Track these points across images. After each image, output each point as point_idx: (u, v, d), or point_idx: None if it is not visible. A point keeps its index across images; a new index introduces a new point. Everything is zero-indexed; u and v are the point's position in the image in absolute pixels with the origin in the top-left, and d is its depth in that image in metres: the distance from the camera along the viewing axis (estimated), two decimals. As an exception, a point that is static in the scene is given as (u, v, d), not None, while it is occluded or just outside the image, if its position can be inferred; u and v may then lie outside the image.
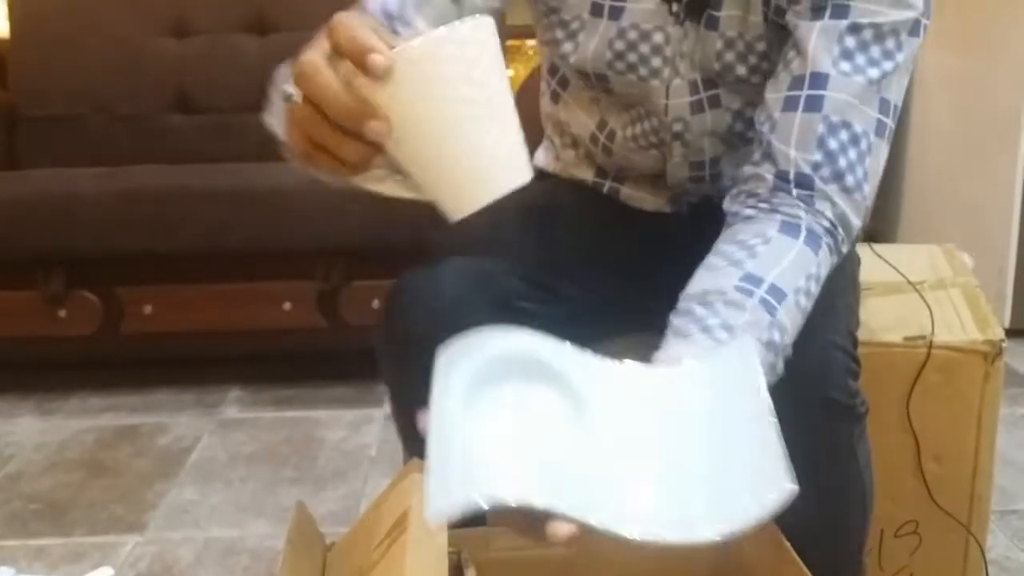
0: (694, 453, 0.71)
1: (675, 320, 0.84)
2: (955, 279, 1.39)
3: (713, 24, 1.01)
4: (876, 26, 0.93)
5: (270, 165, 2.24)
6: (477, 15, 0.64)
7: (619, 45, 1.04)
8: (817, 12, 0.94)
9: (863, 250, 1.33)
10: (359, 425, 2.06)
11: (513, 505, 0.63)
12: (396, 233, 1.96)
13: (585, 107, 1.16)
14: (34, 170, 2.34)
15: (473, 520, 0.98)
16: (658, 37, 1.03)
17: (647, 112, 1.09)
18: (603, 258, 1.12)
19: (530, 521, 0.65)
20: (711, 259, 0.89)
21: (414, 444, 1.10)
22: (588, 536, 0.64)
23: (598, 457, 0.70)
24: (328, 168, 0.67)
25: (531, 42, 2.39)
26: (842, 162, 0.93)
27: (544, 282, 1.06)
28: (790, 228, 0.91)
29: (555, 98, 1.19)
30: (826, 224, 0.93)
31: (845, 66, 0.93)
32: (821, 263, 0.91)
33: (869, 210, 1.04)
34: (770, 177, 0.95)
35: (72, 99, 2.54)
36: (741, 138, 1.08)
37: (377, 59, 0.61)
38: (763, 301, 0.83)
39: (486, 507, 0.62)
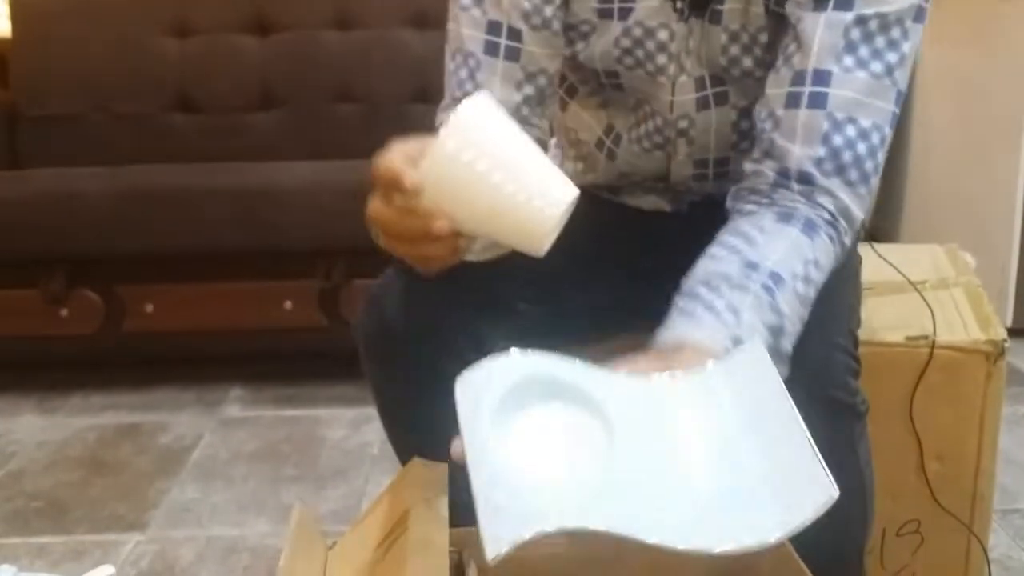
0: (728, 463, 0.72)
1: (680, 302, 0.85)
2: (957, 279, 1.39)
3: (716, 18, 1.01)
4: (882, 16, 0.92)
5: (271, 164, 2.25)
6: (474, 95, 0.76)
7: (625, 42, 1.04)
8: (820, 3, 0.93)
9: (865, 250, 1.33)
10: (360, 424, 2.06)
11: (567, 531, 0.66)
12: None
13: (592, 113, 1.17)
14: (35, 169, 2.34)
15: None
16: (663, 34, 1.03)
17: (652, 111, 1.09)
18: (602, 258, 1.12)
19: None
20: (712, 249, 0.91)
21: (398, 437, 1.11)
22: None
23: (635, 473, 0.71)
24: (439, 266, 0.82)
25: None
26: (847, 156, 0.93)
27: (543, 283, 1.06)
28: (786, 217, 0.92)
29: (562, 106, 1.20)
30: (826, 216, 0.93)
31: (849, 61, 0.93)
32: (819, 249, 0.91)
33: (871, 206, 1.04)
34: (771, 173, 0.95)
35: (74, 98, 2.54)
36: (746, 135, 1.08)
37: (406, 182, 0.73)
38: (764, 286, 0.85)
39: (541, 537, 0.65)
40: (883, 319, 1.26)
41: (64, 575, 1.15)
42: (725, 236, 0.92)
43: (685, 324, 0.83)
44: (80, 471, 1.91)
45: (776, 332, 0.83)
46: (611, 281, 1.11)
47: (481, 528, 0.65)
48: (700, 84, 1.06)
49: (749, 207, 0.95)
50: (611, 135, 1.15)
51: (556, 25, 1.03)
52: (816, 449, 0.69)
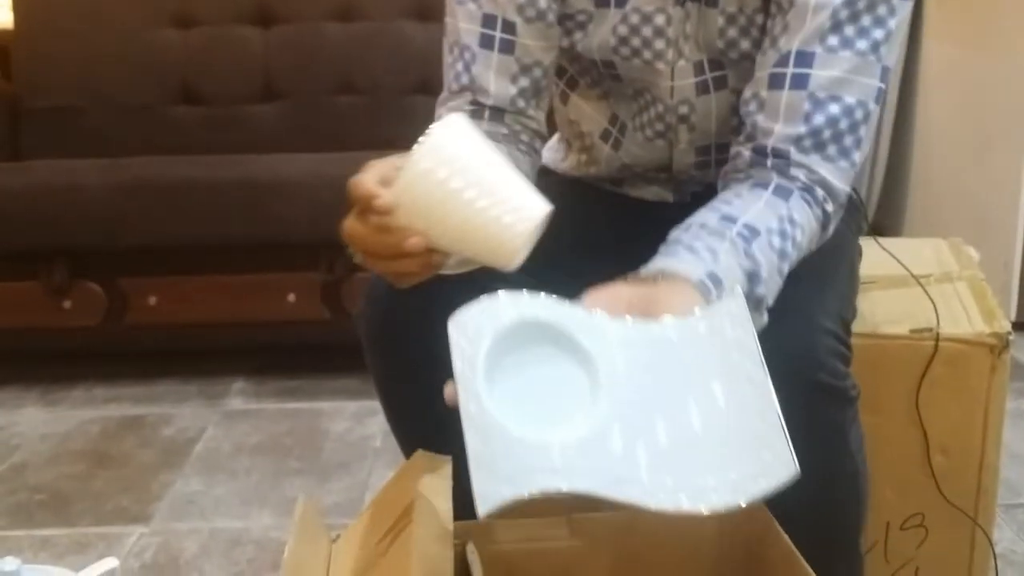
0: (705, 419, 0.74)
1: (661, 248, 0.88)
2: (961, 272, 1.38)
3: (713, 1, 1.02)
4: None
5: (273, 156, 2.25)
6: (448, 116, 0.79)
7: (622, 30, 1.04)
8: None
9: (868, 244, 1.33)
10: (363, 416, 2.06)
11: (552, 494, 0.69)
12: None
13: (594, 104, 1.17)
14: (38, 161, 2.33)
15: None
16: (660, 19, 1.03)
17: (653, 98, 1.10)
18: (604, 249, 1.12)
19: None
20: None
21: (401, 429, 1.11)
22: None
23: (617, 426, 0.73)
24: (414, 281, 0.84)
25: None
26: (827, 134, 0.95)
27: (544, 273, 1.06)
28: (758, 185, 0.96)
29: (563, 99, 1.21)
30: (799, 184, 0.95)
31: (834, 40, 0.94)
32: (794, 209, 0.93)
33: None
34: (748, 153, 0.98)
35: (76, 90, 2.54)
36: None
37: (379, 202, 0.76)
38: (739, 235, 0.88)
39: (532, 497, 0.68)
40: (887, 312, 1.26)
41: (68, 568, 1.15)
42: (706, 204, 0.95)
43: (664, 260, 0.86)
44: (83, 464, 1.91)
45: (752, 278, 0.86)
46: (614, 272, 1.11)
47: (473, 482, 0.67)
48: (699, 68, 1.06)
49: (729, 185, 0.99)
50: (616, 125, 1.16)
51: (551, 17, 1.04)
52: (784, 425, 0.72)
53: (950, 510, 1.25)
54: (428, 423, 1.03)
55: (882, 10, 0.94)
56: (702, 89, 1.07)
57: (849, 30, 0.94)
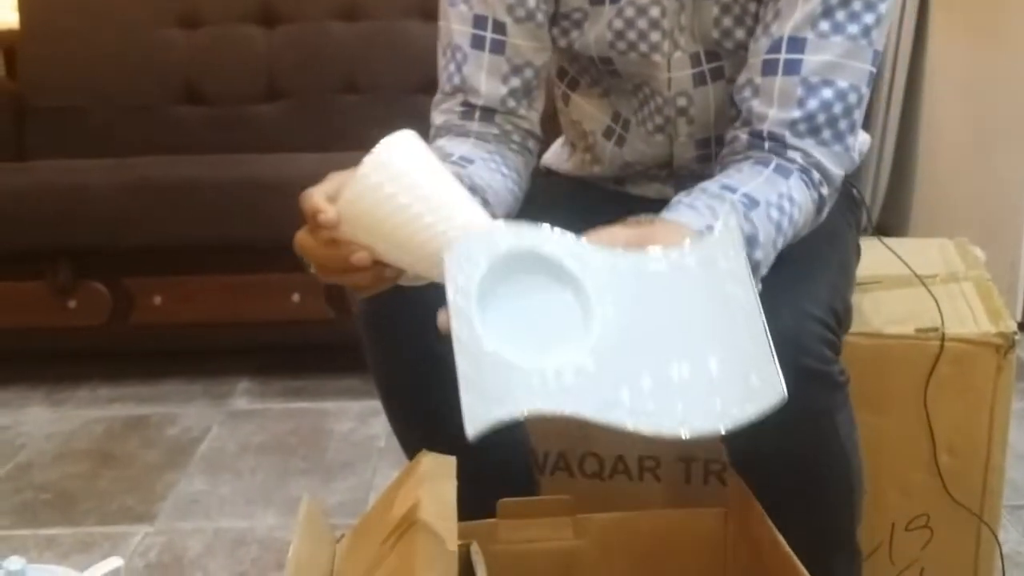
0: (694, 348, 0.75)
1: (664, 210, 0.90)
2: (967, 272, 1.38)
3: None
4: None
5: (278, 156, 2.25)
6: (398, 131, 0.79)
7: (618, 24, 1.05)
8: None
9: (873, 244, 1.33)
10: (368, 416, 2.06)
11: (541, 414, 0.69)
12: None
13: (596, 103, 1.17)
14: (43, 161, 2.34)
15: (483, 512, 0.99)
16: (655, 11, 1.04)
17: (652, 91, 1.10)
18: None
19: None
20: None
21: (402, 428, 1.11)
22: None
23: (607, 354, 0.74)
24: (370, 293, 0.86)
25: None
26: (821, 118, 0.96)
27: None
28: (759, 163, 0.97)
29: (565, 100, 1.21)
30: (797, 165, 0.96)
31: (825, 26, 0.95)
32: (793, 188, 0.95)
33: (854, 159, 1.07)
34: (745, 137, 0.99)
35: (80, 90, 2.54)
36: None
37: (323, 217, 0.78)
38: (739, 201, 0.89)
39: (519, 418, 0.69)
40: (892, 312, 1.26)
41: (72, 567, 1.15)
42: None
43: (665, 214, 0.88)
44: (88, 463, 1.92)
45: (750, 241, 0.87)
46: None
47: (463, 405, 0.68)
48: (695, 60, 1.07)
49: (727, 167, 0.99)
50: (619, 121, 1.16)
51: (540, 17, 1.05)
52: (773, 349, 0.73)
53: (955, 511, 1.25)
54: (428, 419, 1.03)
55: None
56: (699, 80, 1.08)
57: (840, 15, 0.95)
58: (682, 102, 1.09)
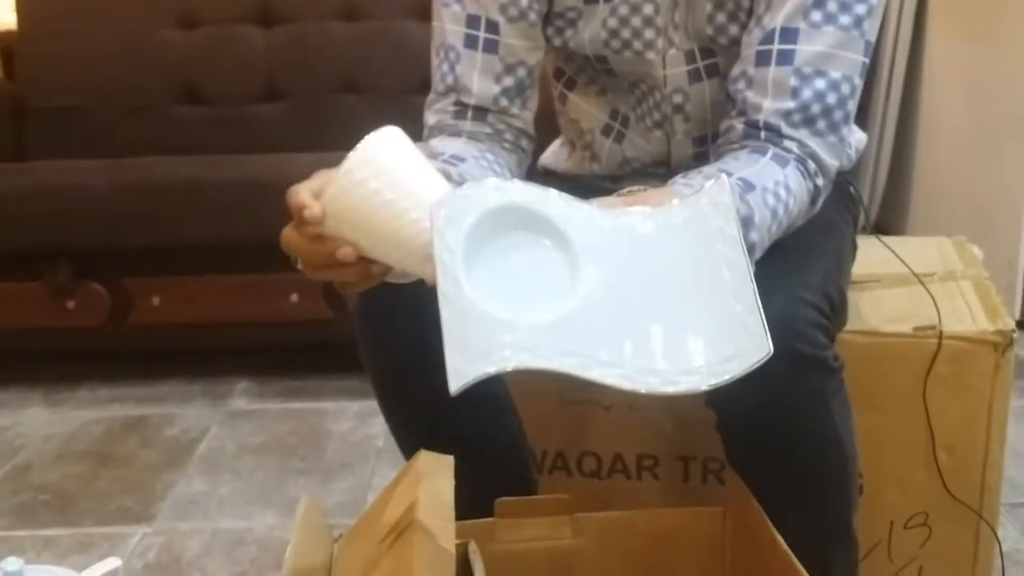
0: (679, 305, 0.75)
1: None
2: (965, 271, 1.38)
3: None
4: None
5: (276, 156, 2.25)
6: (383, 127, 0.80)
7: (612, 22, 1.06)
8: None
9: (872, 242, 1.33)
10: (366, 417, 2.06)
11: (531, 369, 0.69)
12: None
13: (593, 101, 1.17)
14: (41, 161, 2.34)
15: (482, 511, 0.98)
16: (648, 8, 1.04)
17: (649, 88, 1.11)
18: None
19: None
20: None
21: (398, 427, 1.11)
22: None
23: (592, 311, 0.74)
24: (357, 289, 0.87)
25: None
26: (816, 108, 0.97)
27: None
28: (756, 151, 0.97)
29: (563, 100, 1.22)
30: (794, 155, 0.97)
31: (817, 16, 0.96)
32: (789, 177, 0.95)
33: (851, 156, 1.06)
34: (741, 127, 0.99)
35: (79, 90, 2.54)
36: None
37: (308, 212, 0.78)
38: (736, 183, 0.89)
39: (502, 372, 0.69)
40: (890, 311, 1.26)
41: (71, 568, 1.15)
42: None
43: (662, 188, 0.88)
44: (87, 464, 1.91)
45: (746, 222, 0.87)
46: None
47: (447, 360, 0.69)
48: (690, 57, 1.07)
49: (723, 156, 1.00)
50: (618, 118, 1.17)
51: (532, 16, 1.06)
52: (760, 307, 0.73)
53: (954, 509, 1.25)
54: (424, 418, 1.03)
55: None
56: (695, 77, 1.08)
57: (832, 5, 0.96)
58: (678, 99, 1.10)
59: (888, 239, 1.37)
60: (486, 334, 0.70)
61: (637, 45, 1.06)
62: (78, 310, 2.17)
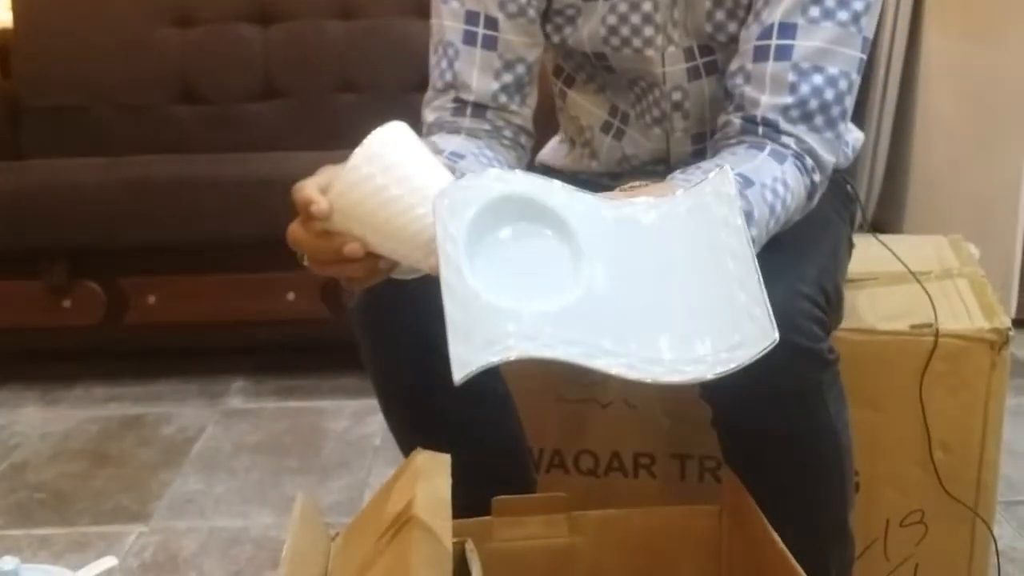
0: (683, 295, 0.75)
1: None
2: (961, 269, 1.38)
3: None
4: None
5: (273, 155, 2.25)
6: (389, 122, 0.79)
7: (611, 20, 1.06)
8: None
9: (868, 240, 1.33)
10: (363, 415, 2.06)
11: (535, 358, 0.69)
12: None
13: (592, 98, 1.18)
14: (37, 160, 2.33)
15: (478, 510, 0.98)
16: (647, 6, 1.04)
17: (648, 85, 1.11)
18: None
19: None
20: None
21: (398, 426, 1.11)
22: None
23: (596, 301, 0.74)
24: (363, 285, 0.86)
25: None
26: (813, 104, 0.97)
27: None
28: (753, 147, 0.97)
29: (563, 97, 1.22)
30: (792, 151, 0.97)
31: (815, 12, 0.96)
32: (787, 173, 0.95)
33: (848, 155, 1.06)
34: (738, 122, 1.00)
35: (75, 89, 2.53)
36: None
37: (315, 208, 0.78)
38: (735, 179, 0.88)
39: (506, 361, 0.68)
40: (887, 309, 1.26)
41: (67, 567, 1.15)
42: None
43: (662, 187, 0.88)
44: (83, 463, 1.91)
45: (744, 218, 0.86)
46: None
47: (451, 350, 0.68)
48: (689, 54, 1.07)
49: (721, 151, 1.00)
50: (617, 115, 1.17)
51: (532, 13, 1.06)
52: (765, 294, 0.73)
53: (950, 507, 1.25)
54: (424, 416, 1.03)
55: None
56: (694, 75, 1.08)
57: (830, 2, 0.96)
58: (677, 96, 1.10)
59: (885, 237, 1.37)
60: (490, 323, 0.70)
61: (636, 42, 1.06)
62: (74, 309, 2.17)
